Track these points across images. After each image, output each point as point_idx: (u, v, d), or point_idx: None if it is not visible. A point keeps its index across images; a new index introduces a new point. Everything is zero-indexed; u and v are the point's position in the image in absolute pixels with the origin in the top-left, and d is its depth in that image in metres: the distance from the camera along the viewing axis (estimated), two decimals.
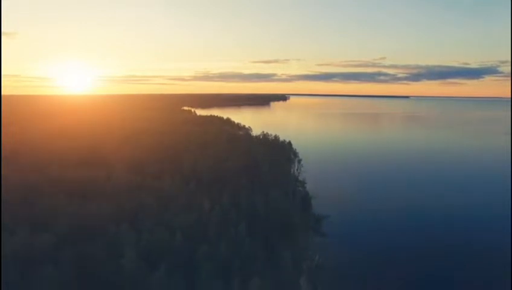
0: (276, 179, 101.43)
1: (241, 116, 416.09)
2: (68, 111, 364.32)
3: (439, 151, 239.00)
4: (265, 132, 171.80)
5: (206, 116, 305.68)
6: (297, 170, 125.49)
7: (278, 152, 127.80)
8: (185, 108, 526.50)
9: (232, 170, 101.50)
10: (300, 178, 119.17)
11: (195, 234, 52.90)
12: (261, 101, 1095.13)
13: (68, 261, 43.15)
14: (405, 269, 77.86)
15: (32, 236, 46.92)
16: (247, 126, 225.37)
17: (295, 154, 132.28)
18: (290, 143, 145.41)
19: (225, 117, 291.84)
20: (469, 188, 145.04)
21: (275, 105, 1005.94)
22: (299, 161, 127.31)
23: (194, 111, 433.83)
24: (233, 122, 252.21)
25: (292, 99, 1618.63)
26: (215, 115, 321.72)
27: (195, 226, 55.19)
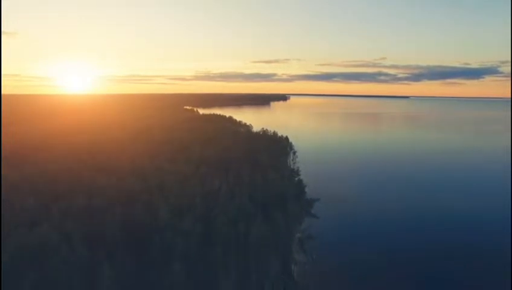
0: (273, 167, 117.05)
1: (242, 116, 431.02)
2: (76, 110, 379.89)
3: (436, 150, 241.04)
4: (264, 129, 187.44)
5: (209, 115, 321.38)
6: (292, 160, 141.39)
7: (275, 145, 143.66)
8: (187, 107, 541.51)
9: (235, 158, 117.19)
10: (294, 168, 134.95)
11: (209, 200, 68.56)
12: (261, 101, 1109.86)
13: (117, 218, 58.70)
14: (388, 247, 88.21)
15: (88, 201, 62.55)
16: (248, 124, 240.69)
17: (291, 147, 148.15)
18: (287, 138, 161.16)
19: (227, 115, 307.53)
20: (468, 188, 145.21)
21: (275, 105, 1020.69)
22: (294, 153, 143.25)
23: (197, 110, 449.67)
24: (235, 120, 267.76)
25: (292, 99, 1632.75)
26: (218, 113, 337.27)
27: (209, 196, 70.84)
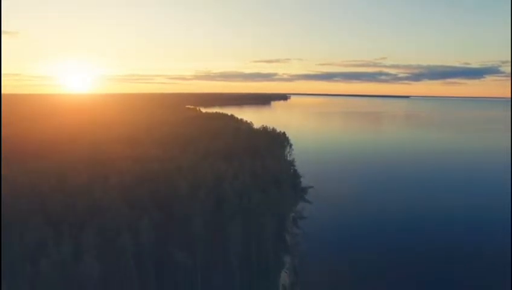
0: (272, 157, 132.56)
1: (243, 114, 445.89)
2: (84, 109, 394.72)
3: (437, 150, 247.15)
4: (264, 125, 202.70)
5: (212, 113, 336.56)
6: (288, 152, 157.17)
7: (274, 139, 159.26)
8: (189, 106, 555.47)
9: (238, 150, 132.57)
10: (289, 159, 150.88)
11: (218, 178, 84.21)
12: (261, 100, 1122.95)
13: (147, 189, 74.26)
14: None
15: (120, 179, 78.24)
16: (249, 121, 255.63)
17: (287, 141, 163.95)
18: (284, 133, 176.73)
19: (229, 114, 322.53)
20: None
21: (276, 104, 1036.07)
22: (290, 146, 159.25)
23: (199, 109, 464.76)
24: (237, 118, 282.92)
25: (293, 98, 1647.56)
26: (220, 112, 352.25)
27: (218, 175, 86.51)
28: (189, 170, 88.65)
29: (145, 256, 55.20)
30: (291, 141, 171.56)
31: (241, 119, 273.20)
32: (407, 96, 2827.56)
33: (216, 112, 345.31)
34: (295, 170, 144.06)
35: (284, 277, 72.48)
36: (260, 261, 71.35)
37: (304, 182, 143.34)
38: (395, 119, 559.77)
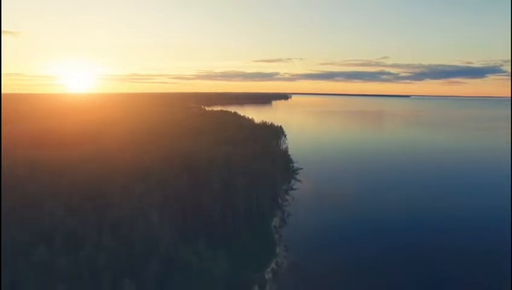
0: (269, 144, 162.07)
1: (244, 113, 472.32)
2: (91, 108, 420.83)
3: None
4: (263, 121, 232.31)
5: (216, 111, 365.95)
6: (283, 141, 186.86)
7: (271, 131, 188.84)
8: (193, 105, 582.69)
9: (241, 139, 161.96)
10: (284, 147, 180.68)
11: (229, 157, 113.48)
12: (263, 99, 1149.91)
13: (178, 159, 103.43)
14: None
15: (146, 162, 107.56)
16: (250, 118, 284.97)
17: (283, 133, 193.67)
18: (281, 127, 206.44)
19: (232, 111, 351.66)
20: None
21: (277, 103, 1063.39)
22: (285, 136, 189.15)
23: (204, 107, 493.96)
24: (239, 115, 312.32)
25: (294, 98, 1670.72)
26: (224, 110, 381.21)
27: (229, 156, 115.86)
28: (206, 150, 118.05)
29: (182, 199, 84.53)
30: (289, 136, 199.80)
31: (243, 116, 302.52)
32: (408, 96, 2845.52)
33: (220, 110, 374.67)
34: (289, 156, 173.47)
35: (275, 221, 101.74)
36: (259, 210, 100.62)
37: (296, 165, 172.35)
38: (393, 118, 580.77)
